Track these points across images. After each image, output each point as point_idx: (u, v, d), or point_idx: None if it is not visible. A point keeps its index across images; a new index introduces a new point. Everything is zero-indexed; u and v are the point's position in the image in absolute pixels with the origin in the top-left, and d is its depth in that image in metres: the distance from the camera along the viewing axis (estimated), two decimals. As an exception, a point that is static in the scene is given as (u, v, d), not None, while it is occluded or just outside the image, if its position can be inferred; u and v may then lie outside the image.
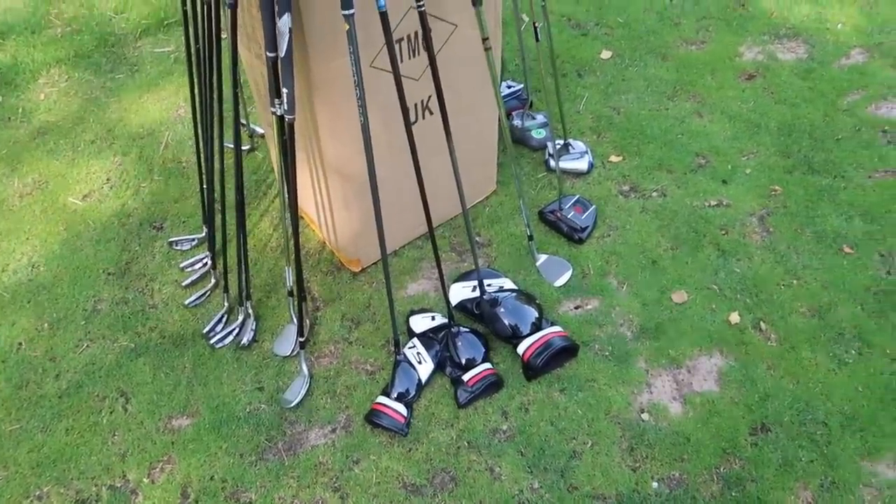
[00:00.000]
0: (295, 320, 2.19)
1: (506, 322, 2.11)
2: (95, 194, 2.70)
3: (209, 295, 2.35)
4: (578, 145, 2.68)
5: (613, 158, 2.71)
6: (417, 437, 1.99)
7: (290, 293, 2.17)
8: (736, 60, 3.10)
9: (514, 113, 2.80)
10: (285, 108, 1.69)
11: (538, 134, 2.73)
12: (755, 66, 3.07)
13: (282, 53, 1.63)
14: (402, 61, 1.94)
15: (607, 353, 2.14)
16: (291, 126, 1.73)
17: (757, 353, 2.12)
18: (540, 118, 2.77)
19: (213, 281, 2.35)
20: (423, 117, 2.12)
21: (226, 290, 2.27)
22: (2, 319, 2.32)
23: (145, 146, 2.86)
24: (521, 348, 2.09)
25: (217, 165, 2.11)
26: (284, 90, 1.67)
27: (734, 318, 2.20)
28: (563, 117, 2.70)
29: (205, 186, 2.26)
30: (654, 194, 2.58)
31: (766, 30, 3.23)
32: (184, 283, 2.37)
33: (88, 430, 2.05)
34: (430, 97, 2.07)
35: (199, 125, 2.17)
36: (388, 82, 1.74)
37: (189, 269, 2.42)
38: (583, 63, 3.12)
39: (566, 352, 2.11)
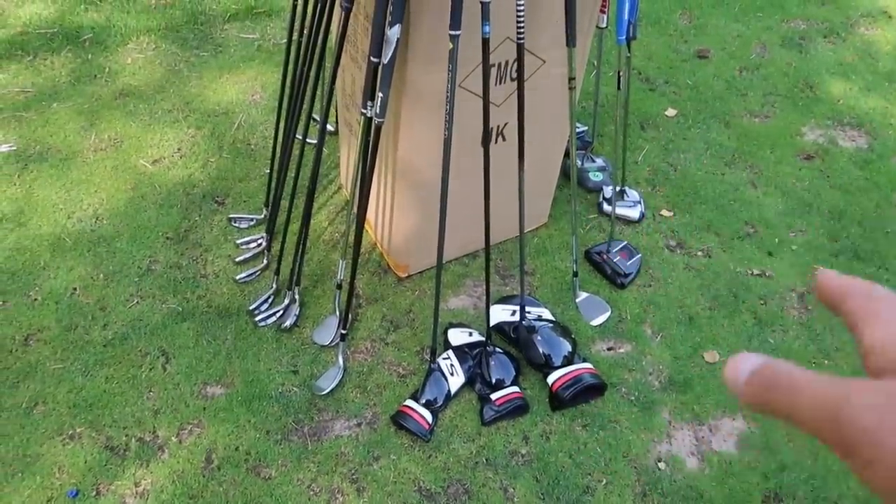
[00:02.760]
0: (339, 312, 2.27)
1: (540, 350, 2.17)
2: (165, 161, 2.81)
3: (259, 275, 2.43)
4: (633, 194, 2.76)
5: (665, 212, 2.78)
6: (439, 445, 2.05)
7: (339, 286, 2.25)
8: (797, 139, 3.17)
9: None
10: (377, 111, 1.79)
11: (595, 176, 2.81)
12: (815, 148, 3.13)
13: (385, 60, 1.72)
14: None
15: (633, 398, 2.19)
16: (379, 129, 1.83)
17: (779, 423, 2.16)
18: (599, 162, 2.85)
19: (264, 262, 2.44)
20: (496, 142, 2.21)
21: (277, 272, 2.35)
22: (61, 263, 2.43)
23: (218, 123, 2.98)
24: (551, 378, 2.15)
25: (295, 153, 2.20)
26: (380, 94, 1.76)
27: (762, 386, 2.24)
28: (623, 165, 2.77)
29: (275, 170, 2.36)
30: (700, 253, 2.64)
31: (831, 114, 3.30)
32: (237, 259, 2.46)
33: (126, 382, 2.13)
34: (506, 124, 2.16)
35: (283, 112, 2.27)
36: (470, 103, 1.84)
37: (244, 247, 2.52)
38: (647, 117, 3.20)
39: (594, 389, 2.16)
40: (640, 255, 2.55)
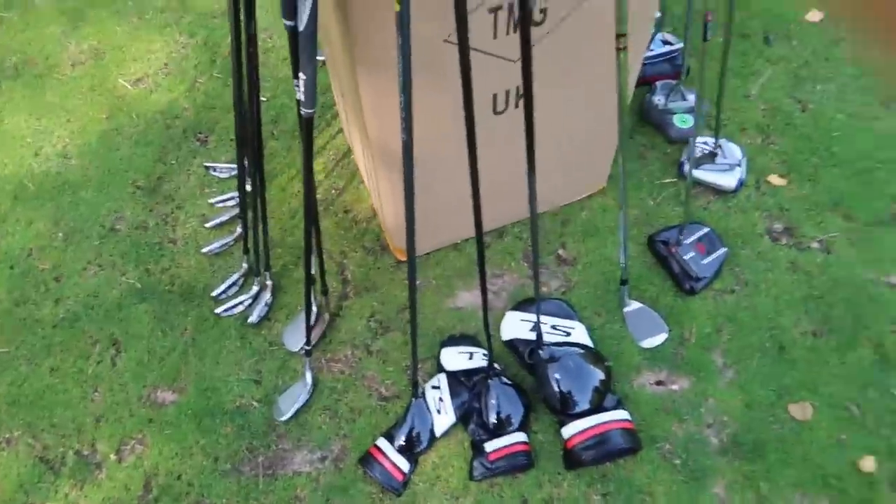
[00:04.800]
0: (316, 310, 1.82)
1: (557, 390, 1.64)
2: (149, 80, 2.34)
3: (232, 245, 2.00)
4: (732, 152, 2.00)
5: (775, 179, 2.02)
6: (413, 501, 1.64)
7: (311, 279, 1.78)
8: None
9: (658, 84, 2.11)
10: (302, 97, 1.20)
11: (682, 122, 2.06)
12: None
13: (301, 26, 1.11)
14: (495, 37, 1.37)
15: (678, 462, 1.65)
16: (310, 122, 1.25)
17: (882, 522, 1.56)
18: (691, 99, 2.08)
19: (238, 230, 1.99)
20: (517, 106, 1.56)
21: (246, 249, 1.91)
22: (21, 215, 2.10)
23: (214, 30, 2.43)
24: (567, 431, 1.64)
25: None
26: (302, 77, 1.17)
27: (868, 463, 1.62)
28: (723, 103, 1.98)
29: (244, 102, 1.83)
30: (816, 246, 1.91)
31: None
32: (208, 224, 2.03)
33: (72, 378, 1.84)
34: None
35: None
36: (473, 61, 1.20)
37: (220, 206, 2.07)
38: (777, 23, 2.30)
39: (624, 451, 1.64)
40: (724, 252, 1.87)
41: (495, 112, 1.56)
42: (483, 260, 1.52)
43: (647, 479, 1.63)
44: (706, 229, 1.89)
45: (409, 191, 1.26)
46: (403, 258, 1.93)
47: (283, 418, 1.74)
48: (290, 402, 1.75)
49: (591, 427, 1.62)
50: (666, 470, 1.64)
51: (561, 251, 1.95)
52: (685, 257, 1.83)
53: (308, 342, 1.72)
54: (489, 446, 1.64)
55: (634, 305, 1.82)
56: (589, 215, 1.99)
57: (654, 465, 1.65)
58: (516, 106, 1.55)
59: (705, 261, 1.84)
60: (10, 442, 1.77)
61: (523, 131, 1.29)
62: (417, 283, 1.92)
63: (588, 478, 1.64)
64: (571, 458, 1.63)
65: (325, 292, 1.82)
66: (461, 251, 1.96)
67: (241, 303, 1.90)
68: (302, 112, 1.23)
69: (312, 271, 1.74)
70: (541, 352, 1.68)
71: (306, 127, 1.26)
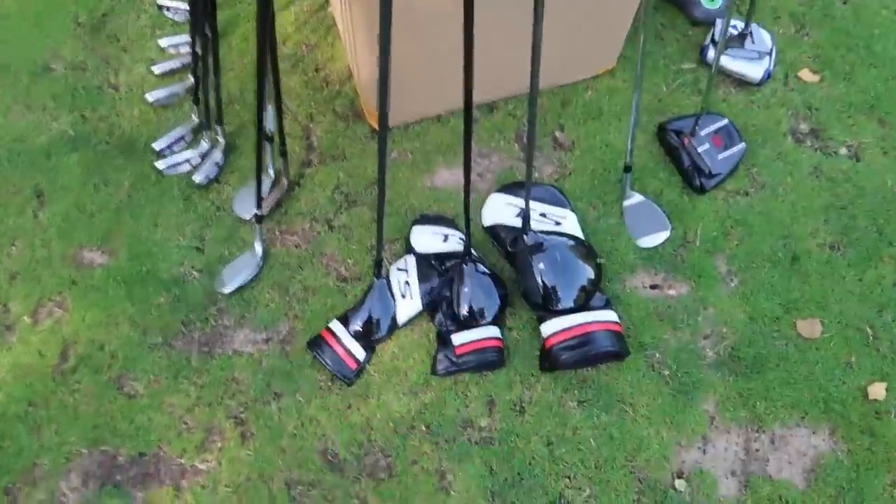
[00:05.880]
0: (268, 176, 1.59)
1: (540, 282, 1.44)
2: None
3: (182, 98, 1.74)
4: (762, 38, 1.75)
5: (806, 75, 1.78)
6: (366, 392, 1.45)
7: (268, 137, 1.54)
8: None
9: (687, -44, 1.84)
10: None
11: (710, 2, 1.80)
12: None
13: None
14: None
15: (666, 373, 1.47)
16: None
17: (886, 455, 1.40)
18: (723, -24, 1.81)
19: (191, 79, 1.72)
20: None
21: (196, 100, 1.65)
22: (-61, 43, 1.81)
23: None
24: (547, 328, 1.45)
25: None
26: None
27: (877, 390, 1.45)
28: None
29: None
30: (844, 151, 1.69)
31: None
32: (156, 69, 1.76)
33: (-14, 228, 1.61)
34: None
35: None
36: None
37: (171, 51, 1.80)
38: None
39: (609, 356, 1.45)
40: (742, 147, 1.64)
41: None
42: (470, 131, 1.28)
43: (630, 387, 1.45)
44: (725, 121, 1.66)
45: (386, 26, 1.00)
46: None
47: (225, 290, 1.52)
48: (234, 274, 1.53)
49: (575, 326, 1.42)
50: (652, 380, 1.46)
51: (558, 134, 1.72)
52: (699, 150, 1.60)
53: (259, 207, 1.48)
54: (457, 339, 1.44)
55: (636, 198, 1.60)
56: (593, 97, 1.75)
57: (639, 374, 1.46)
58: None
59: (721, 156, 1.61)
60: (-90, 294, 1.55)
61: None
62: (392, 155, 1.68)
63: (565, 382, 1.45)
64: (549, 359, 1.43)
65: (283, 154, 1.57)
66: (445, 125, 1.71)
67: (187, 160, 1.65)
68: None
69: (269, 128, 1.50)
70: (526, 237, 1.47)
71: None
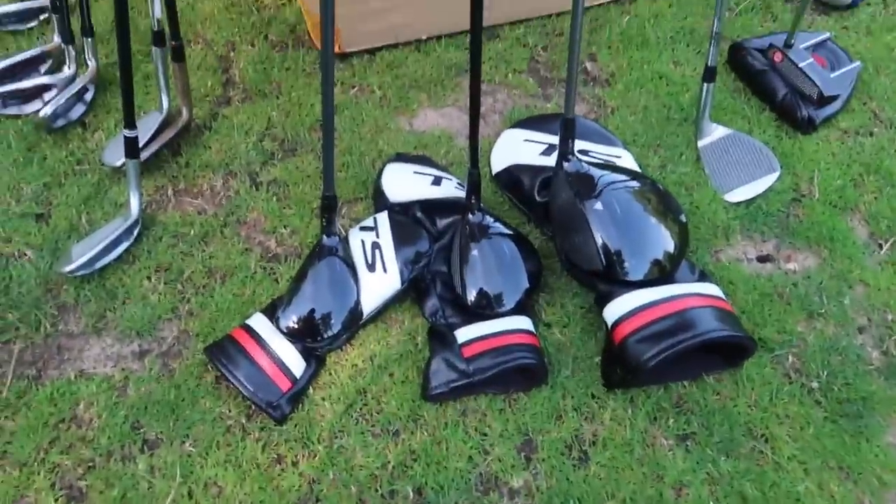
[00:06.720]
0: (161, 114, 1.02)
1: (597, 235, 0.86)
2: None
3: (38, 13, 1.20)
4: (849, -50, 1.31)
5: (911, -4, 1.34)
6: (308, 435, 0.82)
7: (157, 40, 0.98)
8: None
9: None
10: None
11: None
12: None
13: None
14: None
15: (815, 386, 0.88)
16: None
17: None
18: None
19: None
20: None
21: (55, 7, 1.10)
22: None
23: None
24: (613, 309, 0.86)
25: None
26: None
27: None
28: None
29: None
30: None
31: None
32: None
33: None
34: None
35: None
36: None
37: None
38: None
39: (725, 347, 0.86)
40: (857, 66, 1.15)
41: None
42: (479, 40, 0.76)
43: (760, 411, 0.86)
44: (825, 34, 1.17)
45: None
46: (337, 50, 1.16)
47: (67, 269, 0.90)
48: (89, 248, 0.92)
49: (665, 301, 0.84)
50: (794, 397, 0.87)
51: (589, 65, 1.21)
52: (802, 63, 1.10)
53: (134, 146, 0.90)
54: (463, 334, 0.85)
55: (720, 132, 1.07)
56: (631, 22, 1.26)
57: (771, 388, 0.87)
58: None
59: (833, 74, 1.11)
60: None
61: None
62: (352, 90, 1.14)
63: (651, 404, 0.85)
64: (622, 361, 0.83)
65: (177, 59, 1.01)
66: (427, 53, 1.19)
67: (38, 92, 1.08)
68: None
69: (157, 17, 0.96)
70: (568, 167, 0.91)
71: None
